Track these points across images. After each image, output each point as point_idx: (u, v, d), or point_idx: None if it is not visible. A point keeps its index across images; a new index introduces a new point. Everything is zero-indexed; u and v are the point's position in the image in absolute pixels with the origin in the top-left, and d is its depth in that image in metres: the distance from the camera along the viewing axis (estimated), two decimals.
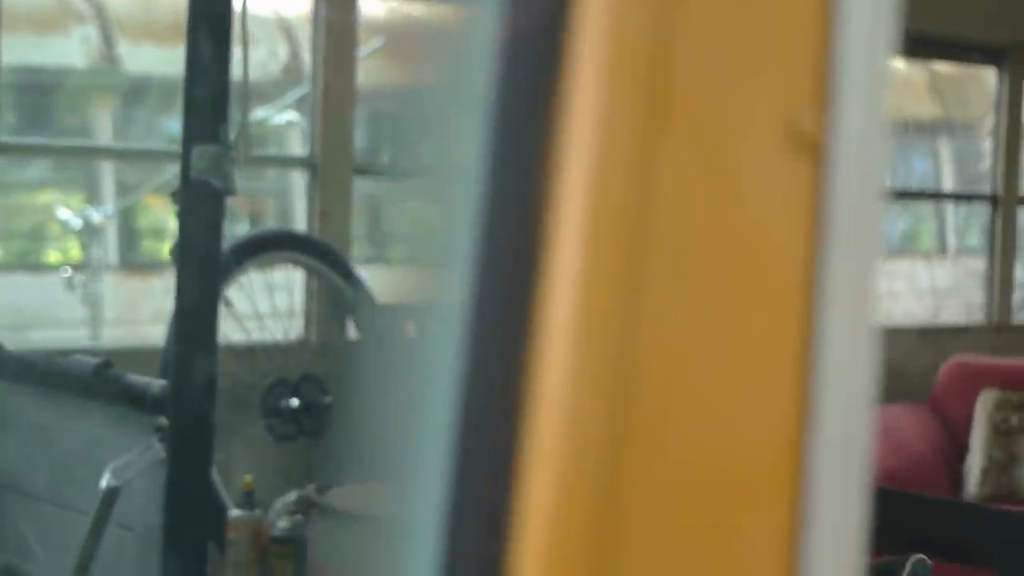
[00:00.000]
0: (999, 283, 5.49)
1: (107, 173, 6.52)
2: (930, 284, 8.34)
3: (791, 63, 0.65)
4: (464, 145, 0.69)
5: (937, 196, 7.24)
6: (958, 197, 7.05)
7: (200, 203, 2.65)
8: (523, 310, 0.64)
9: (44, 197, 6.79)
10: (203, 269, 2.69)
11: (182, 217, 2.69)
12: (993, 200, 5.50)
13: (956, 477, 4.74)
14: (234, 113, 2.79)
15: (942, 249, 9.04)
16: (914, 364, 5.13)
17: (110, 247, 6.53)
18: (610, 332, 0.63)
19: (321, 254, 3.84)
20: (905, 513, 1.95)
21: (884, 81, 0.67)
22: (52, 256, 6.56)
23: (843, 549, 0.68)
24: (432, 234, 0.75)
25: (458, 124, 0.71)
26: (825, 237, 0.66)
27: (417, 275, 0.76)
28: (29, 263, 6.67)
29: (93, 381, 2.88)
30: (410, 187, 0.79)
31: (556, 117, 0.63)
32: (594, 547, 0.63)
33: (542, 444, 0.63)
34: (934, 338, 5.26)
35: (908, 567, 1.69)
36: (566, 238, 0.63)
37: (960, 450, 4.79)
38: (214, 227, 2.68)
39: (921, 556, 1.70)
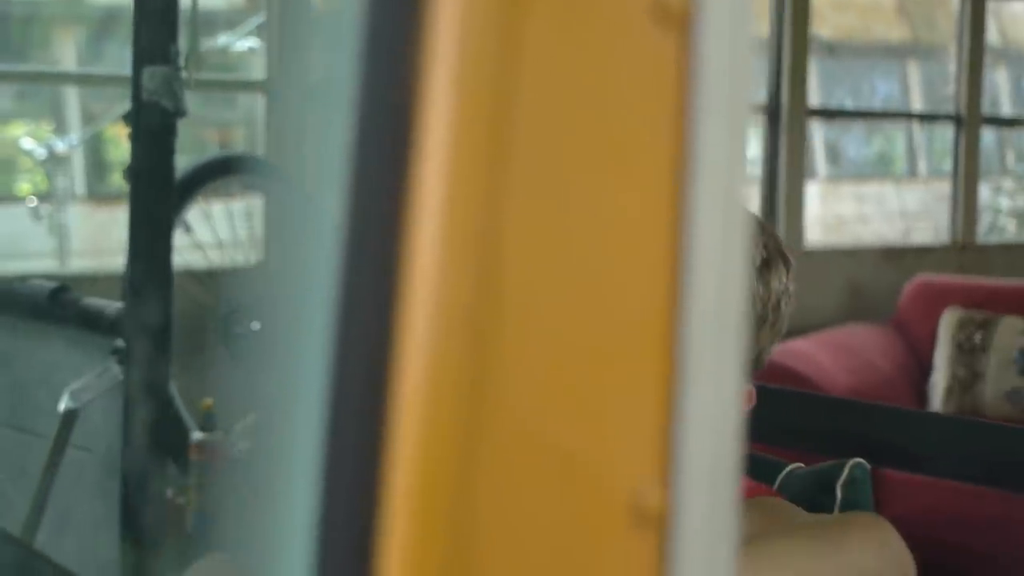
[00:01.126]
0: (963, 203, 5.51)
1: (73, 104, 6.49)
2: (900, 207, 8.36)
3: None
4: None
5: (899, 115, 7.25)
6: (922, 117, 7.06)
7: (151, 124, 2.64)
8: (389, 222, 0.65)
9: (9, 128, 6.76)
10: (156, 190, 2.69)
11: (134, 138, 2.68)
12: (957, 120, 5.50)
13: (921, 395, 4.77)
14: (186, 36, 2.78)
15: (913, 172, 9.06)
16: (878, 285, 5.15)
17: (77, 178, 6.51)
18: (477, 211, 0.64)
19: (277, 178, 3.84)
20: (847, 420, 1.97)
21: None
22: (19, 187, 6.54)
23: (719, 429, 0.69)
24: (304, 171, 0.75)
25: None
26: (693, 109, 0.67)
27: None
28: None
29: (49, 305, 2.88)
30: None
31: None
32: (464, 424, 0.64)
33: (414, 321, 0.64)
34: (898, 258, 5.28)
35: (846, 471, 1.70)
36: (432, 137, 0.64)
37: (924, 369, 4.82)
38: (166, 148, 2.67)
39: (860, 460, 1.72)
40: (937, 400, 4.69)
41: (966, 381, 4.66)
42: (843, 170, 9.59)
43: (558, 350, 0.66)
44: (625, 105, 0.66)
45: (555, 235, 0.66)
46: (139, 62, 2.65)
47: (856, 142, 9.53)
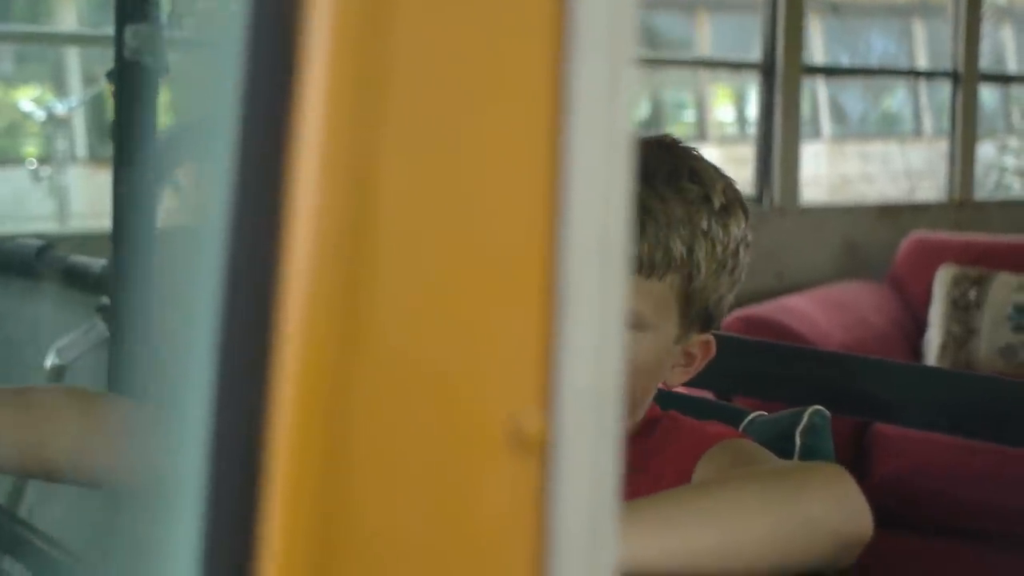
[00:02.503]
0: (961, 159, 5.50)
1: (74, 66, 6.50)
2: (905, 166, 8.34)
3: None
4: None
5: (897, 73, 7.25)
6: (918, 74, 7.06)
7: (133, 82, 2.66)
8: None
9: (9, 90, 6.77)
10: (140, 148, 2.70)
11: (117, 97, 2.69)
12: (955, 77, 5.50)
13: (916, 352, 4.78)
14: None
15: (918, 131, 9.04)
16: (874, 242, 5.15)
17: (78, 139, 6.53)
18: (354, 142, 0.65)
19: None
20: (808, 367, 1.98)
21: None
22: (19, 149, 6.56)
23: (601, 356, 0.70)
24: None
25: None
26: (571, 41, 0.68)
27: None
28: None
29: (36, 263, 2.91)
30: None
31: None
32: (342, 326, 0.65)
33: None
34: (894, 216, 5.28)
35: (805, 418, 1.71)
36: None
37: (920, 325, 4.83)
38: (149, 106, 2.69)
39: (819, 407, 1.73)
40: (932, 356, 4.70)
41: (960, 337, 4.67)
42: (848, 129, 9.58)
43: (436, 276, 0.67)
44: (503, 38, 0.68)
45: (433, 163, 0.67)
46: (121, 20, 2.66)
47: (862, 101, 9.52)
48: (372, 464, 0.67)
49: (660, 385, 1.65)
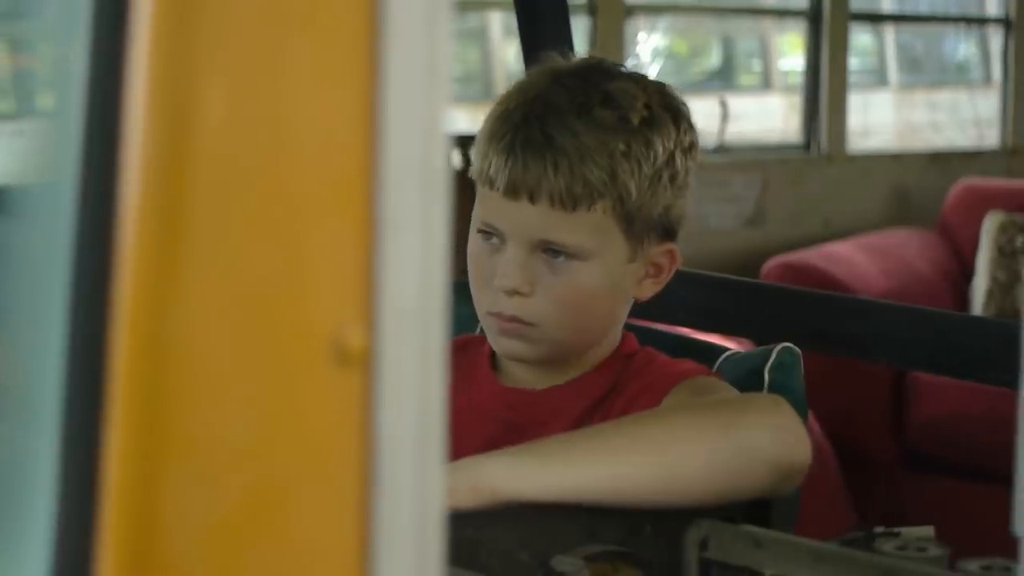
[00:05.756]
0: (1013, 107, 5.47)
1: None
2: (973, 114, 8.27)
3: None
4: None
5: (946, 20, 7.17)
6: (969, 20, 6.97)
7: None
8: None
9: None
10: None
11: None
12: (1006, 23, 5.46)
13: (963, 299, 4.78)
14: None
15: (987, 79, 8.95)
16: (924, 190, 5.14)
17: None
18: (175, 72, 0.69)
19: None
20: (783, 306, 2.01)
21: None
22: None
23: (424, 270, 0.74)
24: None
25: None
26: None
27: None
28: None
29: None
30: None
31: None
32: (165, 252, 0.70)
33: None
34: (945, 163, 5.26)
35: (774, 355, 1.74)
36: None
37: (967, 272, 4.82)
38: None
39: (789, 344, 1.75)
40: (978, 304, 4.70)
41: (1006, 284, 4.66)
42: (916, 77, 9.49)
43: (257, 196, 0.71)
44: None
45: (252, 87, 0.71)
46: None
47: (932, 48, 9.44)
48: (197, 374, 0.71)
49: (634, 299, 1.68)
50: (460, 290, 2.02)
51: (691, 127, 1.65)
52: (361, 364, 0.73)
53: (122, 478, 0.70)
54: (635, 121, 1.59)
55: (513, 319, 1.61)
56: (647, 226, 1.62)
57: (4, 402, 0.78)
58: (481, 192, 1.63)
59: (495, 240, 1.62)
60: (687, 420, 1.44)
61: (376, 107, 0.72)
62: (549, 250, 1.60)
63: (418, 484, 0.74)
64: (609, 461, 1.37)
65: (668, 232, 1.65)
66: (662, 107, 1.62)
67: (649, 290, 1.68)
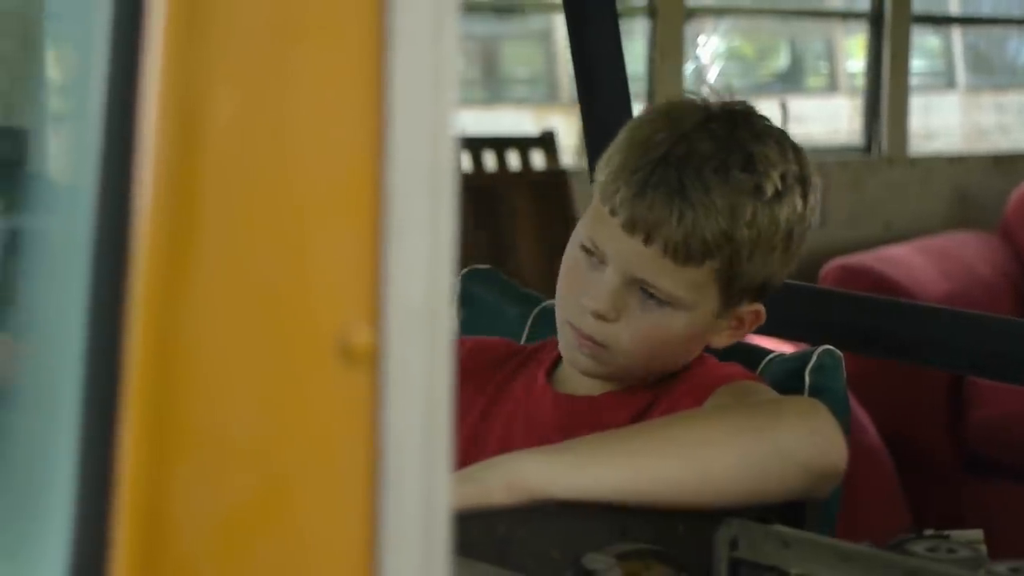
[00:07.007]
0: None
1: None
2: None
3: None
4: None
5: (1009, 22, 7.14)
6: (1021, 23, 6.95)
7: None
8: None
9: None
10: None
11: None
12: None
13: (1023, 302, 4.75)
14: None
15: None
16: (987, 193, 5.11)
17: None
18: (185, 73, 0.71)
19: None
20: (824, 308, 2.01)
21: None
22: None
23: (431, 271, 0.75)
24: None
25: None
26: None
27: None
28: None
29: None
30: None
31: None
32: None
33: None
34: (1009, 165, 5.23)
35: (815, 357, 1.74)
36: None
37: None
38: None
39: (830, 347, 1.75)
40: None
41: None
42: (985, 80, 9.43)
43: (265, 196, 0.73)
44: None
45: (261, 91, 0.72)
46: None
47: (1001, 51, 9.37)
48: (206, 373, 0.72)
49: (706, 345, 1.69)
50: (489, 277, 2.03)
51: (818, 201, 1.65)
52: (368, 363, 0.74)
53: (133, 476, 0.71)
54: (768, 192, 1.58)
55: (589, 338, 1.62)
56: (746, 289, 1.63)
57: (23, 402, 0.80)
58: (599, 210, 1.63)
59: (595, 259, 1.62)
60: (721, 422, 1.45)
61: (384, 110, 0.74)
62: (644, 289, 1.60)
63: (424, 482, 0.76)
64: (643, 462, 1.38)
65: (762, 295, 1.66)
66: (796, 179, 1.61)
67: (726, 341, 1.69)
